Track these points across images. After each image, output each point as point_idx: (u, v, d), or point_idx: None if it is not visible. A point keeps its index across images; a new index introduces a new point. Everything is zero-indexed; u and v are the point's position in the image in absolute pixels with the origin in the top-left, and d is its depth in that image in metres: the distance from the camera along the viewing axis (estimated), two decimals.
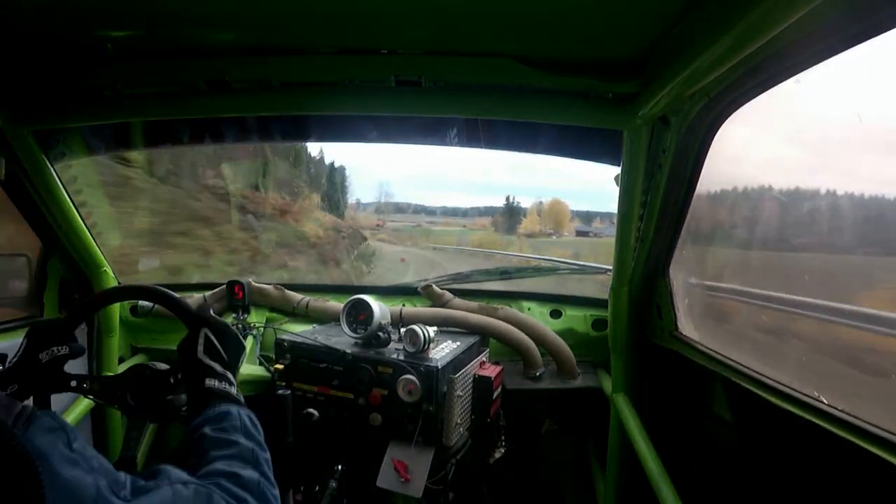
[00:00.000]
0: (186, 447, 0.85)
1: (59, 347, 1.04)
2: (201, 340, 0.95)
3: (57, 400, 1.09)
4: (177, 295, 1.07)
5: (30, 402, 1.01)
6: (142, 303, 1.86)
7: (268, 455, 0.84)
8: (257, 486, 0.76)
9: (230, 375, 0.95)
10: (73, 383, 1.08)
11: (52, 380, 1.06)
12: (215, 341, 0.97)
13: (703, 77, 0.87)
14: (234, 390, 0.93)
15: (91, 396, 1.10)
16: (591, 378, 1.78)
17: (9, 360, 1.01)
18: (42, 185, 1.45)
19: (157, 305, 1.16)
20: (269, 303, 1.93)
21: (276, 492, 0.80)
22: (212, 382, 0.91)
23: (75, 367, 1.11)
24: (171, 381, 1.08)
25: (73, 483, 0.53)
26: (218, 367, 0.94)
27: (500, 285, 2.09)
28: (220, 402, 0.88)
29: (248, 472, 0.77)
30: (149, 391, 1.08)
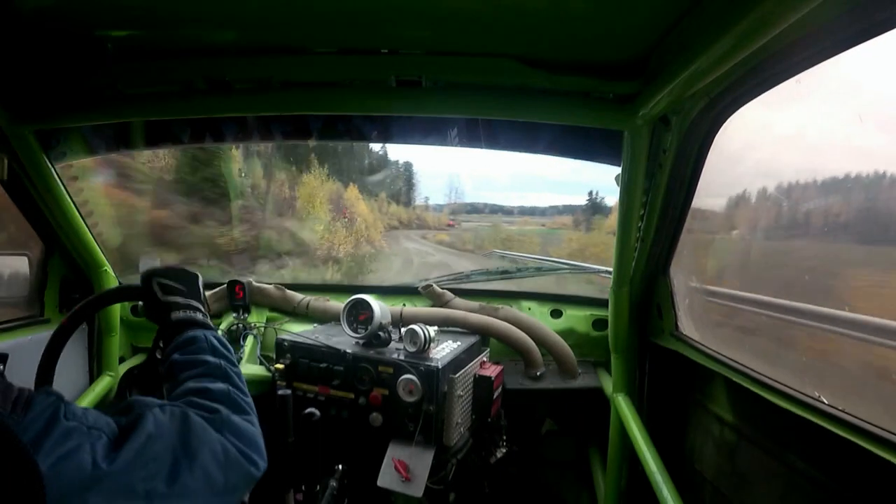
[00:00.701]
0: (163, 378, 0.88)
1: None
2: (156, 288, 0.97)
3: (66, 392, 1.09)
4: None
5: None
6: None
7: (238, 369, 0.88)
8: (227, 395, 0.80)
9: (194, 302, 0.97)
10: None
11: None
12: (168, 281, 0.98)
13: (703, 77, 0.87)
14: (199, 315, 0.96)
15: None
16: (592, 378, 1.78)
17: None
18: (43, 185, 1.45)
19: None
20: (269, 303, 1.93)
21: (250, 399, 0.83)
22: (177, 314, 0.94)
23: (76, 369, 1.10)
24: (157, 354, 1.09)
25: (69, 460, 0.55)
26: (180, 298, 0.96)
27: (500, 285, 2.09)
28: (186, 330, 0.91)
29: (218, 385, 0.81)
30: (145, 384, 1.09)
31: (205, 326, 0.93)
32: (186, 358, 0.85)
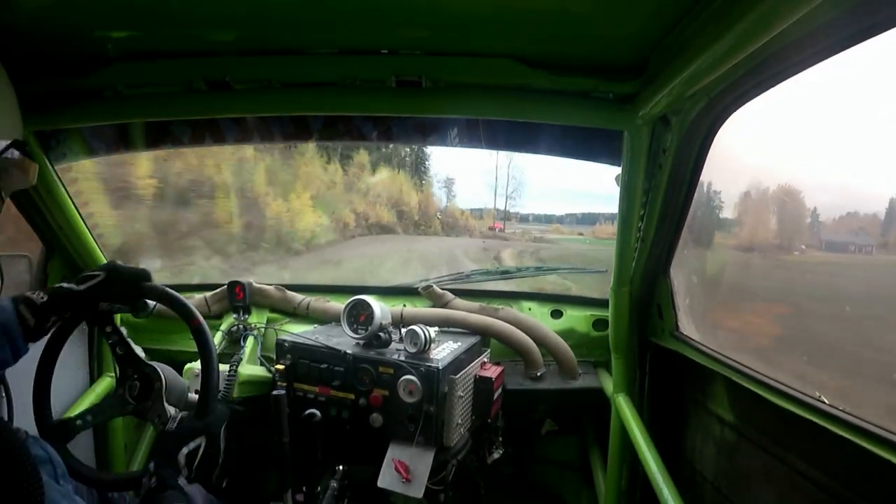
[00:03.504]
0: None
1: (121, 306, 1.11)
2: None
3: (58, 399, 1.09)
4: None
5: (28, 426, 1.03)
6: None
7: None
8: None
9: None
10: (79, 422, 1.12)
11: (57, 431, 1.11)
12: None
13: (703, 77, 0.87)
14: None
15: (100, 420, 1.15)
16: (592, 378, 1.78)
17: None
18: (43, 186, 1.45)
19: (158, 305, 1.16)
20: (269, 303, 1.93)
21: None
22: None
23: (76, 369, 1.10)
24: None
25: None
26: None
27: (500, 285, 2.09)
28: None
29: None
30: (144, 382, 1.11)
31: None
32: None
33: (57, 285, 1.04)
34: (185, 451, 1.04)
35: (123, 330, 1.16)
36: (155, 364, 1.15)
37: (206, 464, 1.07)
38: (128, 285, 1.09)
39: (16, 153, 0.88)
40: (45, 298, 1.00)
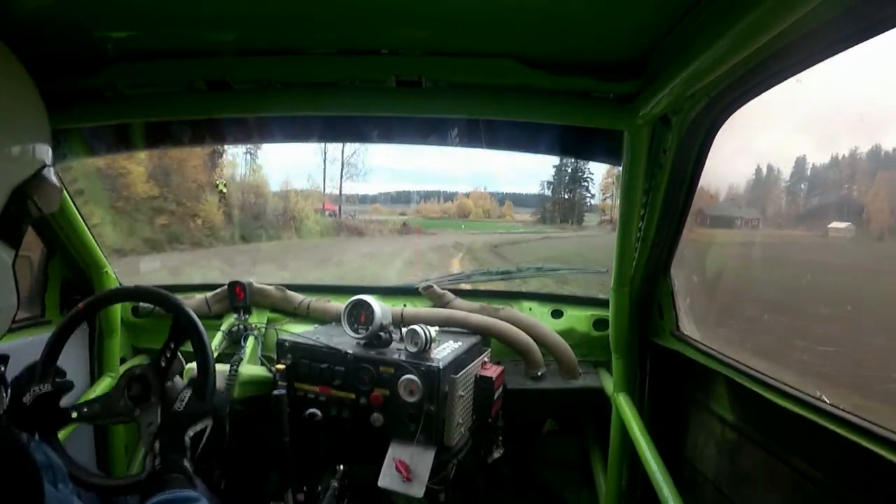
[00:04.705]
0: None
1: (40, 386, 1.06)
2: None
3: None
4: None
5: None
6: (143, 304, 1.86)
7: None
8: None
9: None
10: (74, 415, 1.11)
11: (50, 418, 1.08)
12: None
13: (703, 77, 0.87)
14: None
15: (98, 422, 1.13)
16: (593, 378, 1.78)
17: None
18: None
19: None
20: (270, 303, 1.93)
21: None
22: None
23: (77, 369, 1.11)
24: (163, 363, 1.09)
25: None
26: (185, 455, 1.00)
27: (501, 285, 2.09)
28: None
29: None
30: (144, 385, 1.10)
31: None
32: None
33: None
34: (190, 432, 1.04)
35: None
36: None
37: (212, 446, 1.07)
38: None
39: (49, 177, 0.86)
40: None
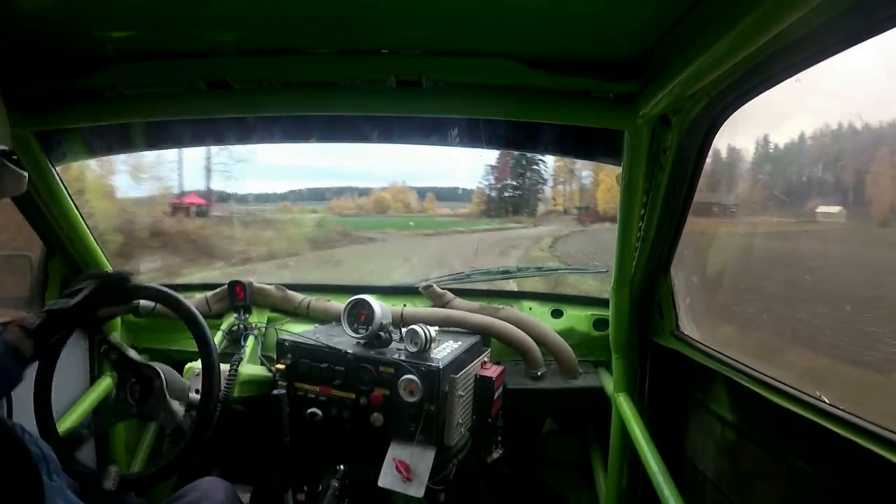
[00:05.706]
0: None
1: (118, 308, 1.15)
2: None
3: (58, 401, 1.10)
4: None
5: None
6: (143, 302, 1.86)
7: None
8: None
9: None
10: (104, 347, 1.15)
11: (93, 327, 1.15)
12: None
13: (703, 77, 0.87)
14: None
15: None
16: (593, 378, 1.78)
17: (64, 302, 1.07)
18: (44, 186, 1.45)
19: (158, 305, 1.17)
20: (270, 303, 1.93)
21: None
22: None
23: (77, 369, 1.10)
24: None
25: None
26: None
27: (501, 285, 2.09)
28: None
29: None
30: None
31: None
32: None
33: (48, 306, 1.06)
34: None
35: (114, 336, 1.17)
36: (152, 364, 1.16)
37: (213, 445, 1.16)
38: (116, 289, 1.11)
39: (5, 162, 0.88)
40: (38, 321, 1.02)
